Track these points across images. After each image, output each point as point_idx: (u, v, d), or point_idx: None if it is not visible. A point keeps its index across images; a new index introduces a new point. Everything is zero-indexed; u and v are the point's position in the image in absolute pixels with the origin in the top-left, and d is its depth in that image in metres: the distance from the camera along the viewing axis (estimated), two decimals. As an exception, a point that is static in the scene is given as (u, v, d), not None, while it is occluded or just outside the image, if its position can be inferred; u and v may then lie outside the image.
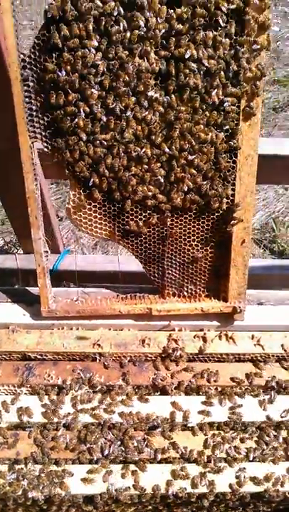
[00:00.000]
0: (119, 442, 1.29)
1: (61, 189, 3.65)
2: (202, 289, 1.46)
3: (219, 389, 1.40)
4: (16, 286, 2.49)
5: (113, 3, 1.11)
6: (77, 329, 1.49)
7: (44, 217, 1.39)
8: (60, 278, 2.22)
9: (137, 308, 1.45)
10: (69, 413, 1.35)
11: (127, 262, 1.89)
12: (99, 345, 1.44)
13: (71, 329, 1.49)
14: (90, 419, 1.33)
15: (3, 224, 3.62)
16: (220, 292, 1.45)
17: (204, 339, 1.46)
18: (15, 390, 1.41)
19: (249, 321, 1.48)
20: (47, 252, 1.42)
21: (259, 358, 1.46)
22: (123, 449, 1.28)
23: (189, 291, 1.46)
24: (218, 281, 1.44)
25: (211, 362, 1.47)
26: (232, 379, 1.41)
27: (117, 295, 1.49)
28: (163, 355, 1.44)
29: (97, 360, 1.44)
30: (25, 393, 1.42)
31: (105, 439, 1.29)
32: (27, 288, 1.63)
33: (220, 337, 1.47)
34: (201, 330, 1.49)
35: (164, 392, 1.40)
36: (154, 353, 1.44)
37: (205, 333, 1.47)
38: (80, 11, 1.12)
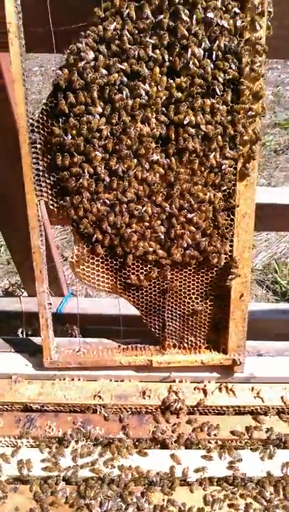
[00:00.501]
0: (118, 498, 1.28)
1: (67, 229, 3.71)
2: (202, 341, 1.48)
3: (219, 442, 1.41)
4: (20, 330, 2.52)
5: (116, 75, 1.18)
6: (79, 380, 1.51)
7: (48, 259, 1.43)
8: (63, 320, 2.25)
9: (137, 360, 1.47)
10: (69, 466, 1.35)
11: (129, 305, 1.92)
12: (100, 396, 1.46)
13: (72, 380, 1.51)
14: (90, 474, 1.33)
15: (9, 263, 3.68)
16: (220, 344, 1.47)
17: (204, 391, 1.47)
18: (15, 442, 1.42)
19: (249, 373, 1.49)
20: (50, 304, 1.45)
21: (259, 410, 1.46)
22: (122, 504, 1.28)
23: (190, 342, 1.49)
24: (217, 334, 1.47)
25: (211, 414, 1.47)
26: (232, 432, 1.41)
27: (119, 346, 1.52)
28: (163, 408, 1.45)
29: (98, 412, 1.45)
30: (26, 445, 1.42)
31: (105, 494, 1.29)
32: (30, 338, 1.65)
33: (220, 389, 1.48)
34: (202, 382, 1.50)
35: (164, 445, 1.40)
36: (155, 405, 1.45)
37: (205, 385, 1.48)
38: (86, 81, 1.19)
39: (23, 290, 3.26)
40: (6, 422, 1.44)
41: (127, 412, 1.46)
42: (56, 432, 1.42)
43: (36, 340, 1.62)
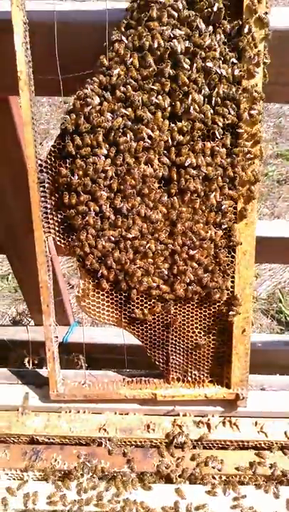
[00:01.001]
0: (122, 534, 1.29)
1: (73, 258, 3.77)
2: (206, 375, 1.50)
3: (223, 477, 1.41)
4: (27, 359, 2.54)
5: (121, 119, 1.25)
6: (84, 413, 1.53)
7: (55, 293, 1.47)
8: (68, 349, 2.27)
9: (142, 393, 1.49)
10: (75, 500, 1.36)
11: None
12: (105, 429, 1.48)
13: (78, 412, 1.53)
14: (94, 509, 1.34)
15: (16, 291, 3.72)
16: (223, 378, 1.49)
17: (208, 425, 1.49)
18: (22, 475, 1.43)
19: (252, 407, 1.50)
20: (57, 337, 1.48)
21: (263, 445, 1.47)
22: (126, 540, 1.28)
23: (193, 376, 1.51)
24: (221, 368, 1.49)
25: (215, 449, 1.48)
26: (236, 468, 1.41)
27: (123, 379, 1.54)
28: (167, 442, 1.46)
29: (103, 445, 1.47)
30: (32, 478, 1.44)
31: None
32: (37, 370, 1.68)
33: (224, 423, 1.50)
34: (205, 416, 1.51)
35: (168, 479, 1.41)
36: (159, 438, 1.47)
37: (209, 419, 1.50)
38: (92, 124, 1.25)
39: (30, 319, 3.30)
40: (12, 455, 1.46)
41: (132, 445, 1.47)
42: (62, 465, 1.43)
43: (43, 372, 1.64)
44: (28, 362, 2.55)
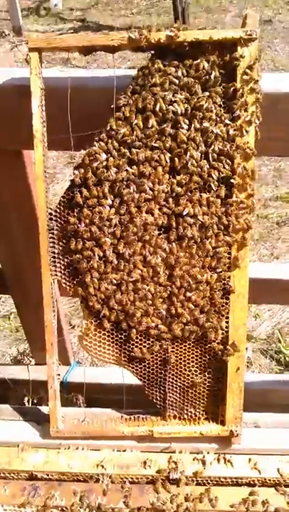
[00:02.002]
0: None
1: (75, 299, 3.84)
2: (201, 413, 1.56)
3: (218, 514, 1.45)
4: (27, 398, 2.59)
5: (125, 173, 1.37)
6: (83, 449, 1.57)
7: (57, 332, 1.54)
8: (68, 389, 2.32)
9: (139, 430, 1.54)
10: (71, 536, 1.39)
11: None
12: (102, 466, 1.52)
13: (77, 449, 1.58)
14: None
15: (18, 331, 3.78)
16: (218, 416, 1.55)
17: (203, 462, 1.53)
18: (20, 511, 1.47)
19: (246, 444, 1.55)
20: (59, 375, 1.55)
21: (256, 482, 1.51)
22: None
23: (189, 414, 1.56)
24: (216, 405, 1.55)
25: (209, 485, 1.52)
26: (230, 505, 1.45)
27: (122, 416, 1.60)
28: (163, 478, 1.50)
29: (100, 482, 1.51)
30: (31, 514, 1.47)
31: None
32: (38, 407, 1.74)
33: (218, 460, 1.54)
34: (200, 452, 1.56)
35: (164, 516, 1.44)
36: (155, 475, 1.51)
37: (204, 456, 1.54)
38: (99, 178, 1.38)
39: (31, 358, 3.35)
40: (11, 491, 1.50)
41: (129, 481, 1.51)
42: (59, 502, 1.47)
43: (43, 409, 1.70)
44: (28, 401, 2.59)
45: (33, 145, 1.40)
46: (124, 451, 1.57)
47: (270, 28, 9.61)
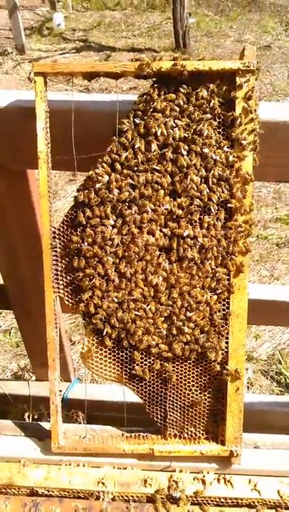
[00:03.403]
0: None
1: (75, 315, 3.87)
2: (201, 432, 1.57)
3: (217, 535, 1.45)
4: (27, 414, 2.60)
5: (127, 193, 1.41)
6: (83, 466, 1.58)
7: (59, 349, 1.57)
8: (68, 405, 2.34)
9: (140, 448, 1.56)
10: None
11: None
12: (103, 483, 1.53)
13: (78, 465, 1.59)
14: None
15: (18, 346, 3.79)
16: (218, 436, 1.56)
17: (203, 482, 1.54)
18: (20, 528, 1.48)
19: (246, 465, 1.56)
20: (60, 391, 1.57)
21: (256, 503, 1.52)
22: None
23: (189, 433, 1.58)
24: (216, 425, 1.57)
25: (210, 505, 1.53)
26: (229, 525, 1.46)
27: (122, 434, 1.61)
28: (163, 497, 1.51)
29: (100, 499, 1.52)
30: (30, 531, 1.48)
31: None
32: (39, 423, 1.75)
33: (218, 480, 1.55)
34: (201, 472, 1.57)
35: (163, 535, 1.45)
36: (156, 494, 1.52)
37: (204, 476, 1.55)
38: (101, 198, 1.42)
39: (31, 374, 3.36)
40: (12, 506, 1.51)
41: (129, 500, 1.52)
42: (60, 519, 1.48)
43: (44, 425, 1.71)
44: (28, 417, 2.60)
45: (37, 165, 1.44)
46: (125, 468, 1.58)
47: (269, 53, 9.85)
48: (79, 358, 3.60)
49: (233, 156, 1.38)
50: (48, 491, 1.54)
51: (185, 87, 1.37)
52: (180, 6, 9.45)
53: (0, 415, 2.07)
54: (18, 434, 1.68)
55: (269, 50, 9.98)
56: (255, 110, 1.37)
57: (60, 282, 1.51)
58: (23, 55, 10.09)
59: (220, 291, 1.46)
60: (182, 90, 1.37)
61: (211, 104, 1.37)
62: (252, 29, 11.34)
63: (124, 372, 1.54)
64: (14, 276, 2.06)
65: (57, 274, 1.51)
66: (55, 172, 5.66)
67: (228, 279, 1.45)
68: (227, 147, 1.39)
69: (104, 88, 7.89)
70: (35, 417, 2.59)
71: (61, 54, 10.25)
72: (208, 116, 1.38)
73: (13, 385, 2.62)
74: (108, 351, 1.53)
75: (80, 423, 2.11)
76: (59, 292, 1.51)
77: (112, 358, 1.53)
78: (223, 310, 1.48)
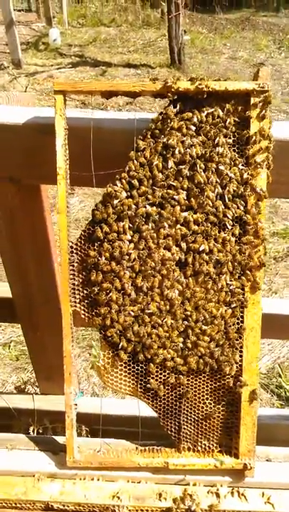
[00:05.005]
0: None
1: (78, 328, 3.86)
2: (215, 445, 1.59)
3: None
4: (32, 428, 2.59)
5: (144, 209, 1.44)
6: (98, 480, 1.59)
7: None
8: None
9: (154, 462, 1.57)
10: None
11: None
12: (118, 497, 1.53)
13: (92, 479, 1.59)
14: None
15: (18, 360, 3.78)
16: (232, 449, 1.58)
17: (217, 495, 1.55)
18: None
19: (259, 478, 1.57)
20: (76, 404, 1.58)
21: (270, 516, 1.53)
22: None
23: (203, 446, 1.59)
24: (229, 438, 1.58)
25: (224, 518, 1.54)
26: (245, 538, 1.47)
27: (136, 447, 1.62)
28: (179, 511, 1.52)
29: (116, 513, 1.52)
30: None
31: None
32: (53, 437, 1.76)
33: (232, 493, 1.56)
34: (214, 485, 1.58)
35: None
36: (171, 507, 1.52)
37: (218, 489, 1.56)
38: (119, 215, 1.45)
39: (35, 387, 3.35)
40: (27, 522, 1.51)
41: (145, 513, 1.53)
42: (75, 533, 1.48)
43: (58, 439, 1.72)
44: (33, 431, 2.59)
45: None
46: (139, 482, 1.58)
47: (263, 69, 9.97)
48: (80, 371, 3.60)
49: (248, 174, 1.42)
50: (64, 506, 1.54)
51: (202, 106, 1.41)
52: (175, 23, 9.61)
53: (3, 429, 2.06)
54: (32, 449, 1.68)
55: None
56: (269, 128, 1.41)
57: (77, 296, 1.53)
58: (20, 69, 10.18)
59: (234, 305, 1.49)
60: (199, 109, 1.41)
61: (227, 123, 1.41)
62: (245, 47, 11.56)
63: (139, 386, 1.55)
64: (22, 290, 2.07)
65: (74, 289, 1.52)
66: (51, 185, 5.70)
67: (243, 294, 1.48)
68: (242, 165, 1.43)
69: (100, 103, 7.96)
70: (40, 431, 2.58)
71: (57, 69, 10.36)
72: (224, 134, 1.42)
73: (17, 399, 2.61)
74: (123, 365, 1.55)
75: (83, 436, 2.11)
76: (75, 306, 1.53)
77: (128, 371, 1.55)
78: (238, 324, 1.50)
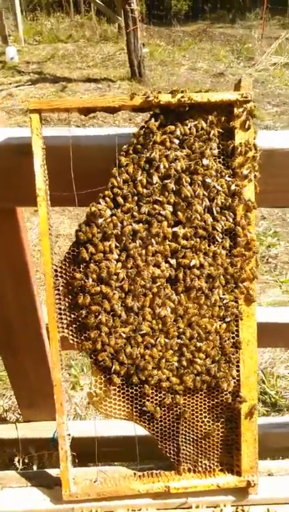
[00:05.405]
0: None
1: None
2: (216, 464, 1.54)
3: None
4: (17, 458, 2.48)
5: (130, 227, 1.39)
6: (97, 511, 1.52)
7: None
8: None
9: (155, 487, 1.50)
10: None
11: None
12: (120, 529, 1.47)
13: (91, 512, 1.52)
14: None
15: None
16: (233, 466, 1.53)
17: (222, 516, 1.50)
18: None
19: (263, 494, 1.53)
20: (69, 435, 1.51)
21: (276, 534, 1.49)
22: None
23: (204, 466, 1.54)
24: (230, 456, 1.54)
25: (230, 540, 1.49)
26: None
27: (134, 473, 1.55)
28: (183, 536, 1.46)
29: None
30: None
31: None
32: (45, 470, 1.67)
33: (236, 513, 1.52)
34: (218, 506, 1.53)
35: None
36: (175, 534, 1.47)
37: (222, 510, 1.51)
38: (105, 234, 1.40)
39: (17, 415, 3.22)
40: None
41: None
42: None
43: (51, 471, 1.63)
44: (18, 461, 2.49)
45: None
46: (140, 510, 1.52)
47: (223, 80, 10.23)
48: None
49: (235, 185, 1.40)
50: None
51: (184, 118, 1.38)
52: (133, 37, 9.67)
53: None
54: (25, 485, 1.59)
55: (223, 77, 10.39)
56: (254, 138, 1.39)
57: (64, 321, 1.46)
58: (-23, 88, 10.03)
59: (229, 319, 1.45)
60: (181, 122, 1.38)
61: (211, 134, 1.39)
62: (204, 57, 11.77)
63: (134, 410, 1.49)
64: (0, 313, 1.99)
65: (60, 313, 1.46)
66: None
67: (237, 307, 1.45)
68: (229, 176, 1.40)
69: (62, 119, 7.90)
70: (26, 460, 2.48)
71: (16, 86, 10.24)
72: (209, 146, 1.39)
73: (-1, 429, 2.50)
74: (117, 389, 1.48)
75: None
76: (63, 332, 1.46)
77: (122, 395, 1.49)
78: (233, 338, 1.47)
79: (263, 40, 12.46)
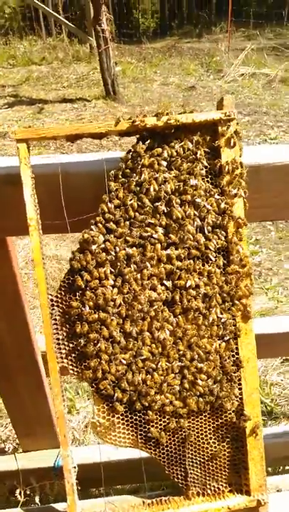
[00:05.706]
0: None
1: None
2: (225, 485, 1.52)
3: None
4: (18, 490, 2.43)
5: (124, 251, 1.39)
6: None
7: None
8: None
9: (165, 515, 1.48)
10: None
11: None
12: None
13: None
14: None
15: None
16: (242, 486, 1.51)
17: (235, 539, 1.48)
18: None
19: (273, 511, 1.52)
20: (75, 467, 1.47)
21: None
22: None
23: (212, 488, 1.52)
24: (238, 475, 1.52)
25: None
26: None
27: (143, 501, 1.52)
28: None
29: None
30: None
31: None
32: (51, 505, 1.63)
33: (249, 534, 1.49)
34: (229, 528, 1.51)
35: None
36: None
37: (234, 532, 1.49)
38: (99, 260, 1.38)
39: (15, 444, 3.14)
40: None
41: None
42: None
43: (57, 506, 1.59)
44: (20, 493, 2.43)
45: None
46: (151, 540, 1.49)
47: (194, 93, 10.40)
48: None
49: (225, 203, 1.41)
50: None
51: (170, 140, 1.39)
52: (106, 56, 9.76)
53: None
54: (31, 522, 1.55)
55: (194, 90, 10.55)
56: (240, 156, 1.41)
57: (63, 351, 1.44)
58: None
59: (228, 337, 1.45)
60: (167, 143, 1.39)
61: (198, 154, 1.39)
62: (175, 72, 11.94)
63: (139, 437, 1.47)
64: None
65: (59, 343, 1.43)
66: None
67: (235, 324, 1.45)
68: (218, 194, 1.41)
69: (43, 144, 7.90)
70: (27, 492, 2.42)
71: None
72: (196, 166, 1.40)
73: (-3, 460, 2.44)
74: (120, 416, 1.46)
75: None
76: (62, 362, 1.44)
77: (125, 423, 1.46)
78: (233, 356, 1.46)
79: (230, 52, 12.72)
